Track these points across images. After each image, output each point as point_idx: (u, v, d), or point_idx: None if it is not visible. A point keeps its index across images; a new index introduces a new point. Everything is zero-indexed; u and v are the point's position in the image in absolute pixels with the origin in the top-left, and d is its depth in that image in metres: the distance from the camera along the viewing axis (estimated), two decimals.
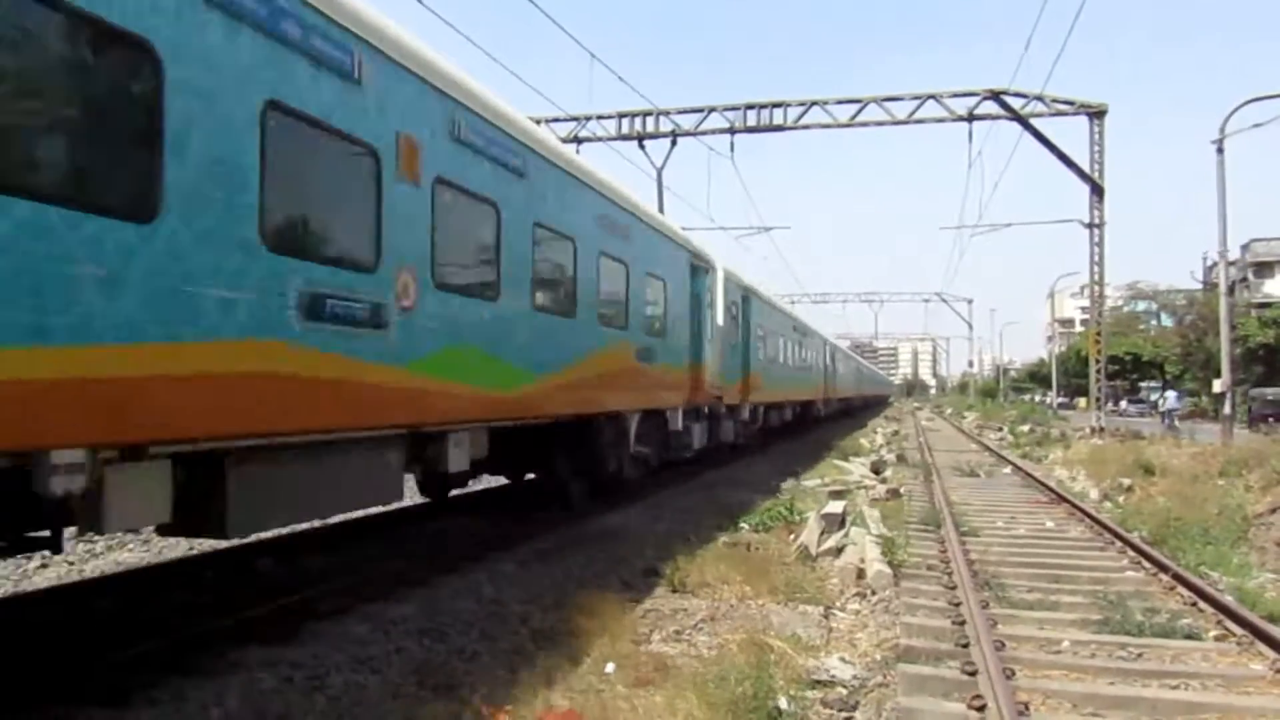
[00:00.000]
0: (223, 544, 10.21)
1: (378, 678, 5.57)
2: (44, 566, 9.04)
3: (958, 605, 7.67)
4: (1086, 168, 28.90)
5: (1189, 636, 7.04)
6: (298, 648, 5.97)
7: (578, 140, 29.92)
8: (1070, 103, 28.85)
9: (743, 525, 11.47)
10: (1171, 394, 46.57)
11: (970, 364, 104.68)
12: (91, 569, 9.10)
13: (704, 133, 30.18)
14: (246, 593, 7.53)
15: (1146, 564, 9.79)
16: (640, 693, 5.35)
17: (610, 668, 5.82)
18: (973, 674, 5.88)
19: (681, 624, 7.14)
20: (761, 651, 6.13)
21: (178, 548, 10.26)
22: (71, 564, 9.25)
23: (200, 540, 10.71)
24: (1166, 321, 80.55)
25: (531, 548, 9.72)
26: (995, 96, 28.27)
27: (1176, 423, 37.24)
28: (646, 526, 11.40)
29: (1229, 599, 7.92)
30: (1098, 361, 30.85)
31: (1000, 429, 41.77)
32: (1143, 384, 74.88)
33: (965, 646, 6.49)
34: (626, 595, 7.92)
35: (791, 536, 10.53)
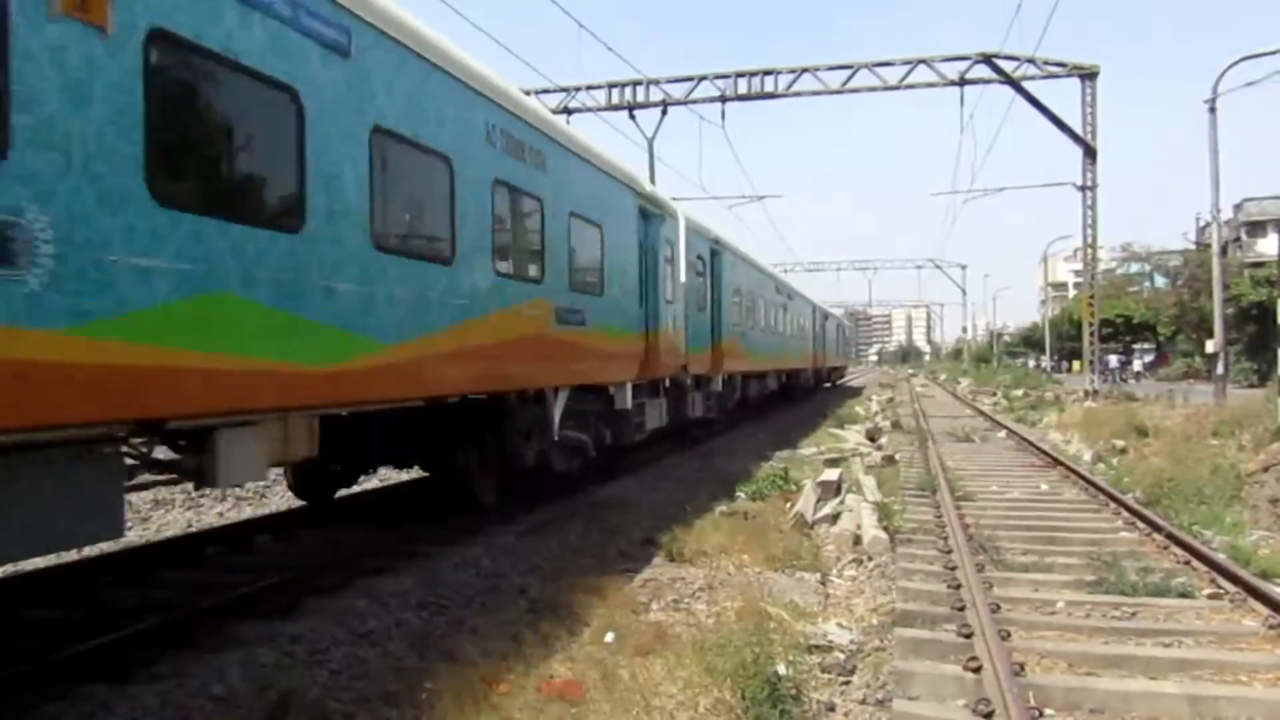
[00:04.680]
0: (219, 522, 10.25)
1: (378, 651, 5.60)
2: None
3: (953, 569, 7.72)
4: (1079, 130, 28.78)
5: (1182, 595, 7.11)
6: (297, 622, 6.00)
7: (568, 111, 29.68)
8: (1062, 65, 28.68)
9: (739, 494, 11.52)
10: (1113, 358, 55.20)
11: (964, 330, 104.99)
12: (92, 548, 9.10)
13: (695, 101, 29.98)
14: (246, 569, 7.56)
15: (1140, 524, 9.87)
16: (640, 661, 5.39)
17: (610, 637, 5.86)
18: (969, 636, 5.93)
19: (680, 593, 7.19)
20: (760, 619, 6.18)
21: (175, 525, 10.29)
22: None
23: (199, 518, 10.78)
24: (1160, 283, 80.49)
25: (529, 520, 9.76)
26: (987, 60, 28.07)
27: (1117, 378, 46.29)
28: (643, 496, 11.45)
29: (1222, 557, 7.99)
30: (1091, 325, 30.91)
31: (994, 394, 41.92)
32: (1136, 346, 75.08)
33: (961, 610, 6.54)
34: (624, 565, 7.97)
35: (788, 504, 10.58)
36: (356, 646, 5.62)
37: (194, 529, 9.91)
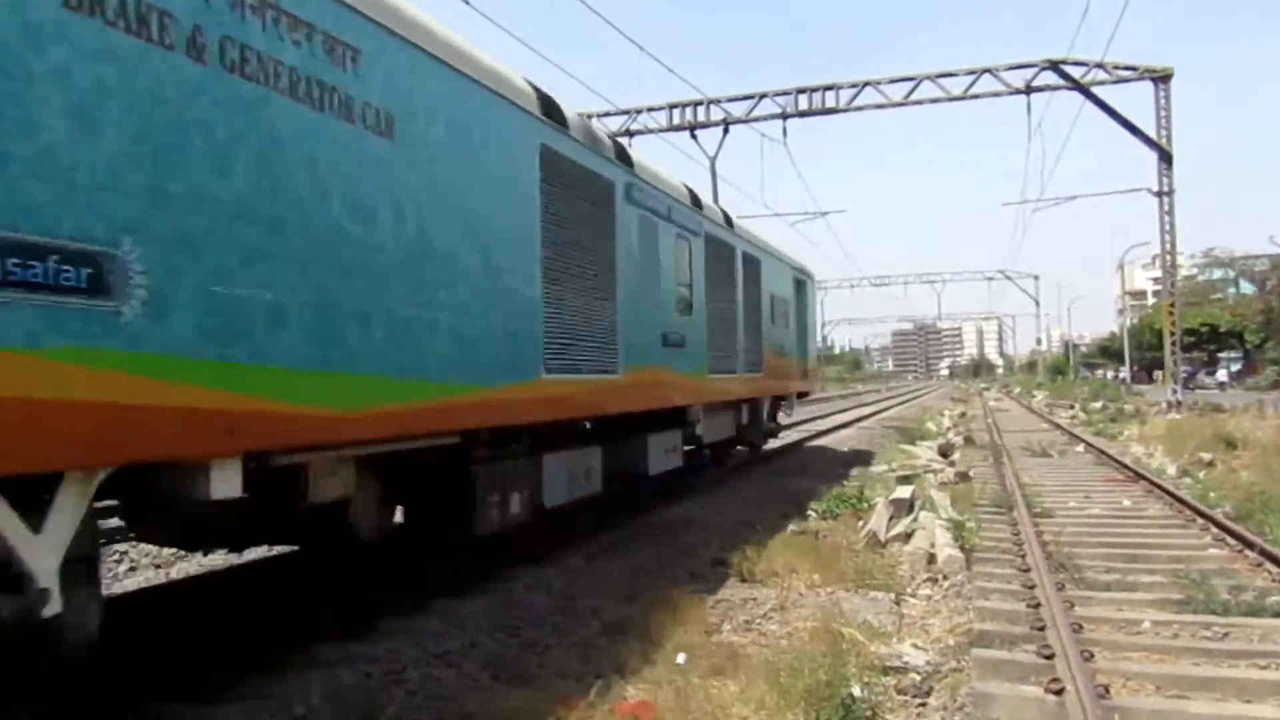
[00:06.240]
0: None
1: (453, 672, 5.69)
2: (132, 570, 9.40)
3: (1032, 588, 7.54)
4: (1153, 134, 28.03)
5: (1279, 615, 6.82)
6: (374, 644, 6.12)
7: (629, 134, 29.95)
8: (1133, 68, 28.01)
9: (809, 513, 11.41)
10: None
11: (1038, 341, 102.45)
12: (177, 571, 9.43)
13: (756, 119, 29.99)
14: (322, 591, 7.74)
15: (1231, 540, 9.50)
16: (713, 682, 5.38)
17: (681, 658, 5.85)
18: (1050, 657, 5.77)
19: (751, 613, 7.15)
20: (833, 639, 6.11)
21: (255, 550, 10.57)
22: (158, 567, 9.60)
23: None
24: (1246, 289, 77.51)
25: (599, 541, 9.81)
26: (1054, 66, 27.57)
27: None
28: (712, 517, 11.41)
29: None
30: (1172, 334, 29.95)
31: (1071, 407, 40.77)
32: (1221, 355, 72.41)
33: (1041, 630, 6.38)
34: (695, 586, 7.95)
35: (860, 523, 10.46)
36: (433, 667, 5.72)
37: (274, 552, 10.17)
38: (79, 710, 5.02)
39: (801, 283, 19.61)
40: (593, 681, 5.39)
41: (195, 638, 6.42)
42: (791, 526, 10.56)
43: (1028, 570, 8.20)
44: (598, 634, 6.50)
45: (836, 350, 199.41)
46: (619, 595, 7.51)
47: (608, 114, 29.35)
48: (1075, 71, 27.52)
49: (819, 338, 23.18)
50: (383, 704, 5.05)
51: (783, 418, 20.38)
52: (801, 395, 21.68)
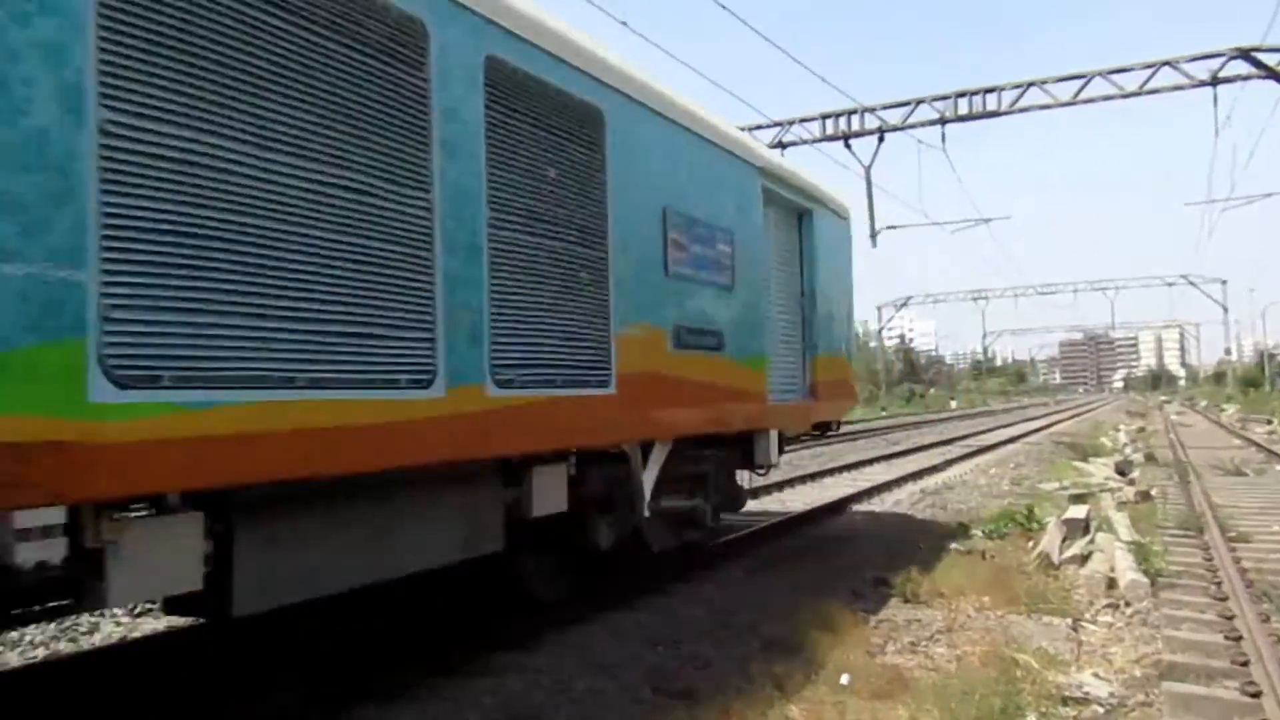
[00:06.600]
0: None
1: (616, 683, 5.76)
2: None
3: (1230, 618, 6.96)
4: None
5: None
6: (541, 654, 6.28)
7: (782, 145, 29.75)
8: None
9: (975, 532, 10.96)
10: None
11: (1227, 351, 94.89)
12: None
13: (912, 126, 29.18)
14: (491, 603, 8.00)
15: None
16: (878, 705, 5.24)
17: (845, 679, 5.73)
18: (1256, 695, 5.31)
19: (916, 635, 6.92)
20: (1006, 665, 5.84)
21: None
22: None
23: None
24: None
25: (756, 556, 9.74)
26: (1245, 55, 25.54)
27: None
28: (872, 532, 11.15)
29: None
30: None
31: (1269, 421, 37.45)
32: None
33: (1244, 664, 5.88)
34: (856, 605, 7.77)
35: (1030, 544, 9.97)
36: (596, 678, 5.81)
37: None
38: (261, 705, 5.38)
39: (803, 212, 10.31)
40: (755, 699, 5.34)
41: (371, 640, 6.77)
42: (955, 545, 10.17)
43: (1224, 599, 7.58)
44: (757, 650, 6.44)
45: (999, 362, 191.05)
46: (777, 611, 7.42)
47: (760, 126, 29.26)
48: (1270, 59, 25.39)
49: (853, 324, 13.03)
50: (550, 713, 5.18)
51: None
52: (819, 429, 11.28)
